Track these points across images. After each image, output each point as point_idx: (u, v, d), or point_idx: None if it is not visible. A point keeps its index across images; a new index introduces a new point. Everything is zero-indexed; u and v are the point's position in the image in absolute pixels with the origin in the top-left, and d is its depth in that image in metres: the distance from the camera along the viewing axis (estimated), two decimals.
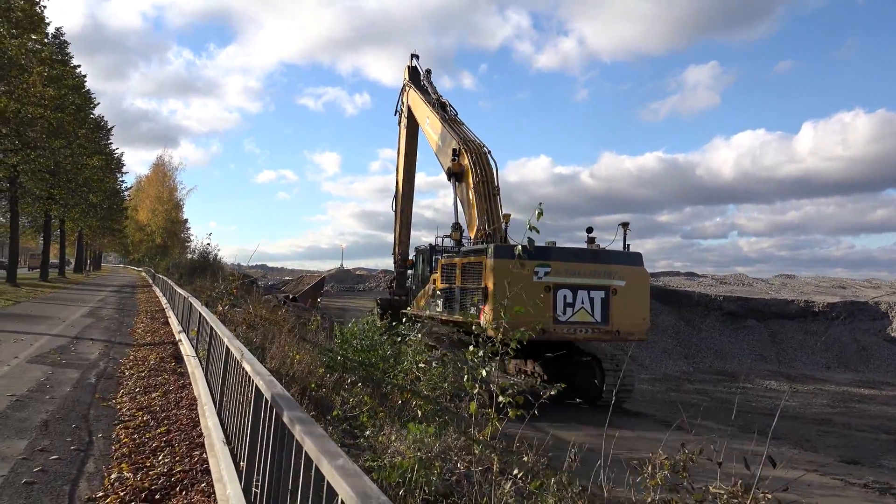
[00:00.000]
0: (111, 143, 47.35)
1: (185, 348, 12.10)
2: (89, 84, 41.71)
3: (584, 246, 16.79)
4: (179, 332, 14.32)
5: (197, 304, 11.06)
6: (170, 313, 20.86)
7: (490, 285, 14.46)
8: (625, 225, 16.47)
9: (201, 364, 9.27)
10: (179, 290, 17.29)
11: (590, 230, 17.05)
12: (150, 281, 46.51)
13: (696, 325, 33.78)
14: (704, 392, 24.74)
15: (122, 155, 47.58)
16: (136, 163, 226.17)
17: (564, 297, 14.85)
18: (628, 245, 16.32)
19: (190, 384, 9.53)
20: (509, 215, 17.43)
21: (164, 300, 26.56)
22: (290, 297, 49.74)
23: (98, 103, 41.20)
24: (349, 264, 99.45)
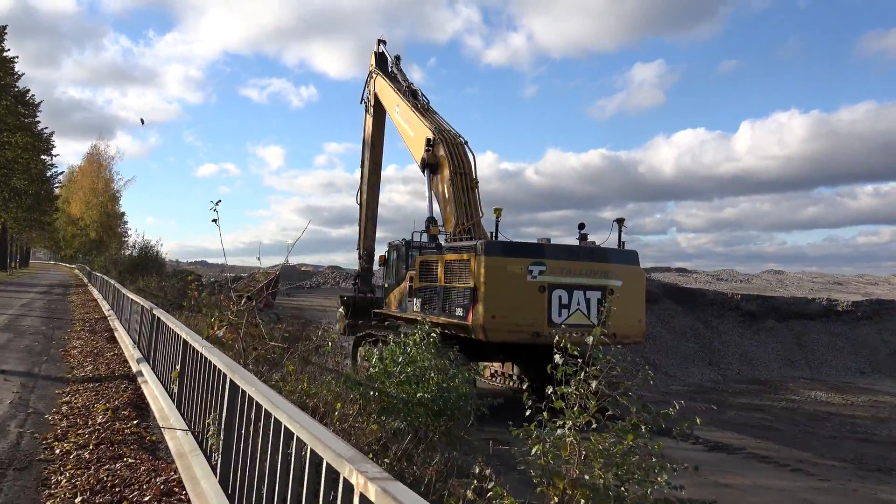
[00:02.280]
0: (38, 121, 41.15)
1: (155, 395, 7.57)
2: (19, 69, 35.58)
3: (577, 243, 15.67)
4: (139, 361, 9.70)
5: (184, 331, 6.55)
6: (115, 324, 16.06)
7: (481, 285, 13.31)
8: (620, 221, 15.52)
9: (208, 458, 4.83)
10: (133, 297, 12.61)
11: (582, 226, 15.82)
12: (86, 280, 40.98)
13: (714, 327, 30.48)
14: (756, 407, 21.25)
15: (51, 134, 41.31)
16: (68, 154, 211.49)
17: (559, 297, 13.80)
18: (623, 243, 15.31)
19: (178, 482, 5.11)
20: (501, 209, 15.34)
21: (105, 305, 21.57)
22: (245, 296, 45.25)
23: (22, 74, 35.25)
24: (292, 260, 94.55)
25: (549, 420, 6.03)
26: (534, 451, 6.10)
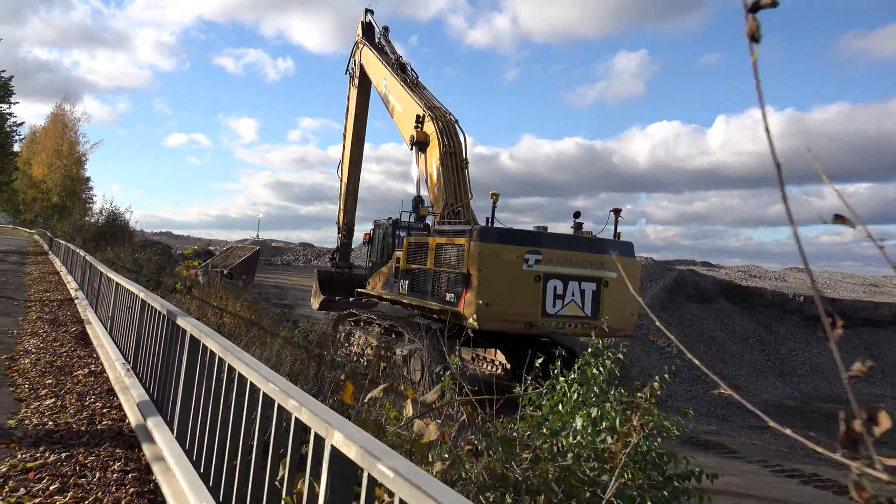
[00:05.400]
0: None
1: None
2: None
3: (571, 232, 15.51)
4: (142, 408, 5.29)
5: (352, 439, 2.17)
6: (88, 314, 11.53)
7: (474, 271, 13.11)
8: (616, 211, 15.28)
9: None
10: (125, 284, 8.13)
11: (577, 215, 15.52)
12: (46, 247, 35.97)
13: (776, 332, 26.84)
14: (880, 441, 17.51)
15: (10, 79, 35.25)
16: (31, 116, 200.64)
17: (555, 288, 13.62)
18: (619, 233, 15.17)
19: None
20: (498, 195, 14.62)
21: (71, 282, 16.94)
22: (225, 272, 40.98)
23: None
24: (262, 235, 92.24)
25: None
26: None
